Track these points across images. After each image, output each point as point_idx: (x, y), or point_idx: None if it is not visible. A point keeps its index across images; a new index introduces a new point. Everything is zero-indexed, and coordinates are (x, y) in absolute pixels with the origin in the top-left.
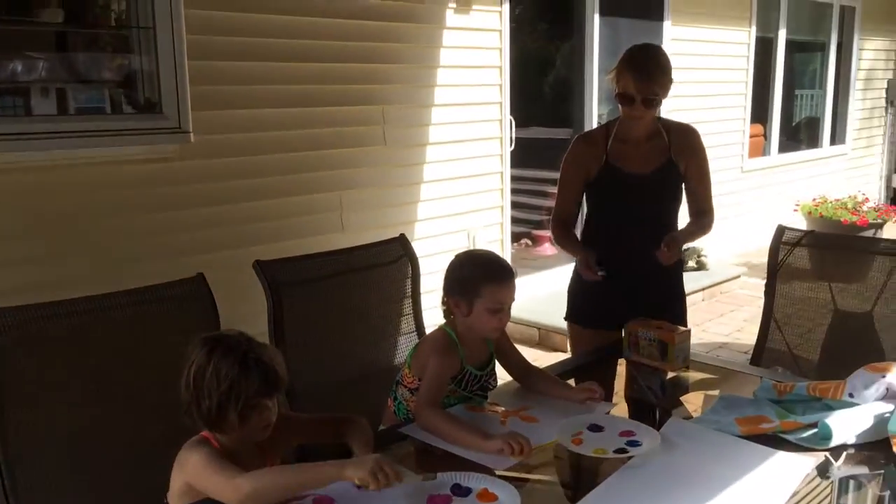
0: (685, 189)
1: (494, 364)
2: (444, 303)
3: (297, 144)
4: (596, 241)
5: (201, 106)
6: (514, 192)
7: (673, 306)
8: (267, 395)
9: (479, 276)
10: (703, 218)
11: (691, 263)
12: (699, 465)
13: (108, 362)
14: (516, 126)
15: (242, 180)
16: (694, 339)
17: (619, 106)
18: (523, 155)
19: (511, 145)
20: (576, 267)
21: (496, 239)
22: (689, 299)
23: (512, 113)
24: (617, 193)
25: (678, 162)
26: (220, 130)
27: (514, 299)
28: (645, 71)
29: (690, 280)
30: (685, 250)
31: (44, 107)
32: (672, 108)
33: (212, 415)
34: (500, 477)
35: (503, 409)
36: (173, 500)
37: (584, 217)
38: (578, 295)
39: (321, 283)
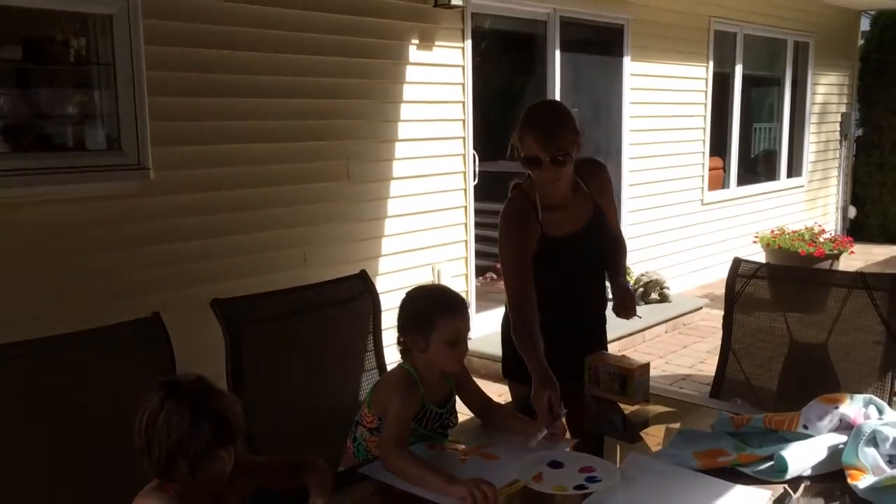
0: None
1: (455, 401)
2: (399, 342)
3: (258, 180)
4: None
5: (161, 142)
6: (478, 225)
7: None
8: (218, 448)
9: (432, 310)
10: (618, 243)
11: (654, 295)
12: (658, 500)
13: (58, 407)
14: (481, 160)
15: (203, 216)
16: (657, 372)
17: (530, 173)
18: (488, 188)
19: (475, 179)
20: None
21: (460, 273)
22: (651, 331)
23: (476, 147)
24: (557, 260)
25: (601, 203)
26: (180, 166)
27: (469, 329)
28: (546, 129)
29: (653, 312)
30: (648, 283)
31: (2, 144)
32: (633, 142)
33: (161, 465)
34: None
35: (463, 446)
36: None
37: None
38: (513, 351)
39: (280, 322)
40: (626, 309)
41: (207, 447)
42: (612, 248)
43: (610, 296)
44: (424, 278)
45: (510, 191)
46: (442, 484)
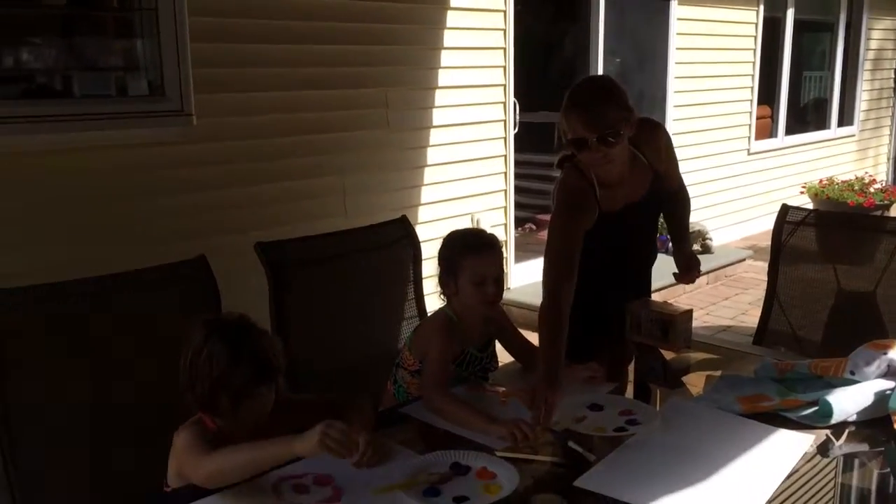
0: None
1: (494, 346)
2: (439, 285)
3: (299, 127)
4: (587, 283)
5: (203, 89)
6: (518, 176)
7: None
8: (259, 384)
9: (458, 252)
10: (680, 197)
11: (696, 246)
12: (699, 444)
13: (109, 343)
14: (521, 110)
15: (244, 164)
16: (697, 323)
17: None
18: (528, 139)
19: (515, 128)
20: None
21: (500, 223)
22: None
23: (516, 96)
24: (611, 233)
25: (659, 168)
26: (223, 113)
27: (500, 271)
28: (591, 106)
29: None
30: (690, 234)
31: (49, 91)
32: (678, 90)
33: (204, 400)
34: (501, 457)
35: (504, 389)
36: (171, 482)
37: None
38: None
39: (323, 265)
40: (688, 275)
41: (248, 384)
42: (674, 206)
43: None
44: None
45: (557, 164)
46: (482, 423)
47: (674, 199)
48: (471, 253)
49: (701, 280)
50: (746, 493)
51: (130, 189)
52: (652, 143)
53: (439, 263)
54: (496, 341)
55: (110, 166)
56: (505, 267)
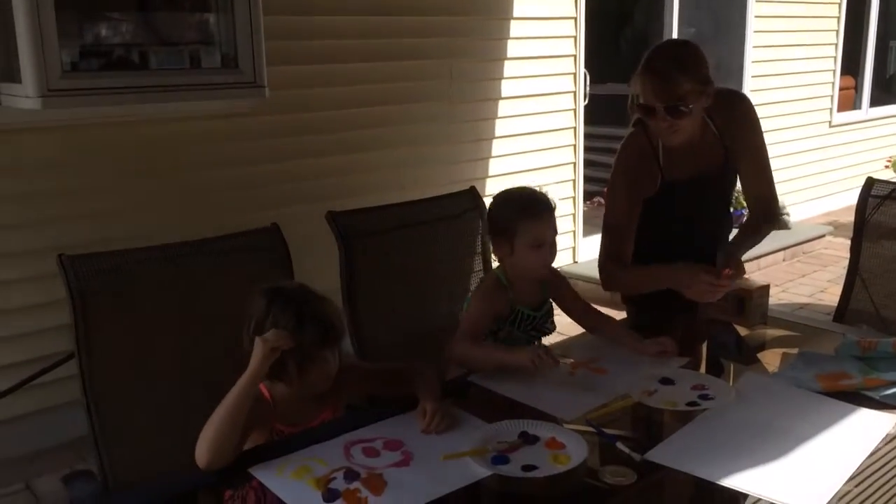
0: (738, 170)
1: (551, 307)
2: (492, 246)
3: (367, 99)
4: (656, 255)
5: (275, 61)
6: (587, 149)
7: None
8: (323, 348)
9: (514, 214)
10: (762, 206)
11: None
12: (774, 420)
13: (187, 307)
14: (592, 81)
15: (314, 136)
16: (773, 300)
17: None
18: (598, 111)
19: (585, 100)
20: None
21: (568, 196)
22: (768, 259)
23: (587, 67)
24: (675, 206)
25: (733, 145)
26: (293, 86)
27: (555, 233)
28: (662, 74)
29: (771, 239)
30: None
31: (127, 64)
32: (756, 59)
33: (272, 365)
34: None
35: (572, 360)
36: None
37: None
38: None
39: (392, 235)
40: (726, 273)
41: (313, 347)
42: (749, 215)
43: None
44: None
45: (632, 125)
46: (505, 355)
47: (753, 203)
48: (528, 216)
49: (776, 256)
50: (824, 473)
51: (205, 159)
52: (725, 113)
53: (491, 225)
54: (553, 303)
55: (187, 137)
56: (575, 237)
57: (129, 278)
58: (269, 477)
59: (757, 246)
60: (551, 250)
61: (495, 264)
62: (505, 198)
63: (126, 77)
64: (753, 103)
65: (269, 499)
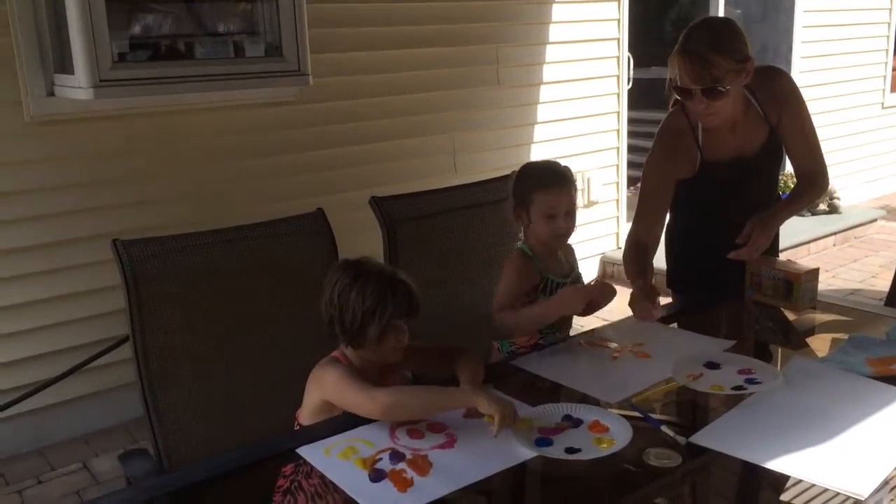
0: (785, 146)
1: (580, 275)
2: (513, 216)
3: (410, 86)
4: (687, 244)
5: (318, 49)
6: (631, 134)
7: None
8: (406, 317)
9: (531, 184)
10: (810, 180)
11: (822, 206)
12: (822, 404)
13: (236, 290)
14: (635, 65)
15: (357, 123)
16: (823, 285)
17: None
18: (642, 96)
19: (629, 84)
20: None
21: (612, 181)
22: (818, 244)
23: (631, 51)
24: (717, 188)
25: (777, 123)
26: (337, 73)
27: (572, 206)
28: (698, 55)
29: (821, 223)
30: None
31: (174, 54)
32: (805, 40)
33: (354, 328)
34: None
35: (616, 345)
36: (305, 417)
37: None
38: (676, 261)
39: (435, 220)
40: (752, 238)
41: (397, 314)
42: (797, 183)
43: None
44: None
45: (671, 104)
46: (548, 305)
47: (800, 178)
48: (542, 186)
49: (826, 241)
50: (873, 458)
51: (250, 147)
52: (768, 90)
53: (513, 195)
54: (579, 271)
55: (232, 126)
56: (618, 223)
57: (180, 262)
58: (317, 457)
59: (808, 232)
60: (565, 221)
61: None
62: (525, 169)
63: (173, 67)
64: (803, 85)
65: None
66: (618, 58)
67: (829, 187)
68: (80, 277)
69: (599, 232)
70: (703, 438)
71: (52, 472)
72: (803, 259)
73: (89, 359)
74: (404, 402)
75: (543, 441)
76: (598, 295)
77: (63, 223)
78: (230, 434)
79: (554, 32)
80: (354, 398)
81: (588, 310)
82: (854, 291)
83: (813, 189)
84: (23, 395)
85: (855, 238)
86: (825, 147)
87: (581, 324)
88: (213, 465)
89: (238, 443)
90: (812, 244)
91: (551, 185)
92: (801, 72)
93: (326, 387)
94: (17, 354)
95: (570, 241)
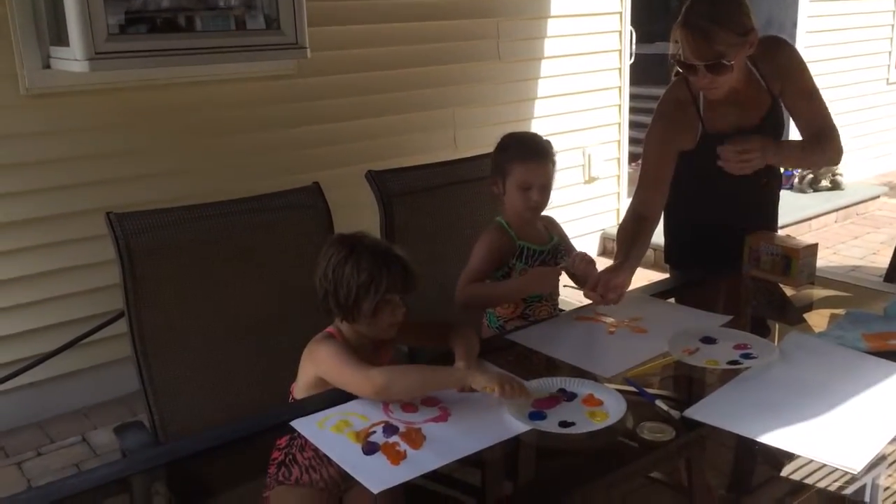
0: (791, 115)
1: (559, 243)
2: (490, 184)
3: (410, 60)
4: (686, 217)
5: (315, 22)
6: (633, 110)
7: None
8: (402, 292)
9: (509, 155)
10: (820, 138)
11: (824, 182)
12: (818, 379)
13: (231, 263)
14: (638, 41)
15: (356, 97)
16: (823, 262)
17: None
18: (645, 72)
19: (631, 59)
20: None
21: (613, 157)
22: (820, 220)
23: (633, 25)
24: (716, 162)
25: (779, 92)
26: (335, 46)
27: (547, 180)
28: (700, 30)
29: (823, 200)
30: (818, 169)
31: (172, 27)
32: (812, 14)
33: (348, 303)
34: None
35: (612, 319)
36: (299, 392)
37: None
38: (674, 237)
39: (433, 194)
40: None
41: (392, 289)
42: (812, 143)
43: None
44: (575, 161)
45: (674, 74)
46: (519, 282)
47: (809, 139)
48: (520, 158)
49: (828, 218)
50: (867, 433)
51: (248, 122)
52: (771, 61)
53: (492, 164)
54: (558, 241)
55: (230, 100)
56: (619, 199)
57: (174, 236)
58: (310, 430)
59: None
60: (539, 195)
61: None
62: (505, 140)
63: (171, 40)
64: (808, 60)
65: None
66: (620, 32)
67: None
68: (78, 251)
69: (600, 208)
70: (697, 413)
71: (51, 445)
72: (804, 235)
73: (88, 332)
74: (398, 382)
75: (537, 414)
76: (581, 268)
77: (60, 197)
78: (225, 407)
79: (555, 6)
80: (348, 377)
81: (578, 282)
82: (855, 268)
83: (829, 143)
84: (22, 368)
85: (857, 215)
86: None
87: (578, 299)
88: (207, 436)
89: (233, 416)
90: (814, 220)
91: (528, 157)
92: (806, 46)
93: (321, 364)
94: (16, 328)
95: (569, 214)
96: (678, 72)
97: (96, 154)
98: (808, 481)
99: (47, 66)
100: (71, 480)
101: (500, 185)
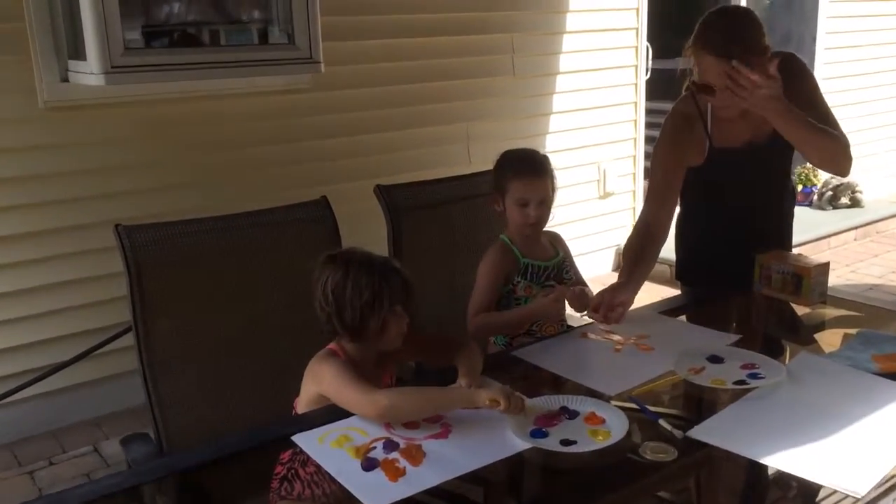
0: None
1: (563, 259)
2: (490, 201)
3: (424, 75)
4: (696, 233)
5: (331, 37)
6: (648, 125)
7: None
8: (405, 301)
9: (507, 172)
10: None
11: (844, 200)
12: (825, 400)
13: (238, 277)
14: (655, 56)
15: (369, 111)
16: (842, 280)
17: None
18: (660, 87)
19: (647, 74)
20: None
21: (628, 173)
22: (839, 238)
23: (649, 40)
24: (728, 174)
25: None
26: (350, 61)
27: (545, 195)
28: (718, 50)
29: (842, 217)
30: (838, 186)
31: (188, 41)
32: (830, 31)
33: (355, 324)
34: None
35: (619, 337)
36: (301, 407)
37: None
38: (686, 254)
39: (442, 209)
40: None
41: (396, 301)
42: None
43: None
44: (590, 177)
45: (685, 89)
46: (525, 311)
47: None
48: (517, 175)
49: (847, 235)
50: (873, 456)
51: (261, 135)
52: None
53: (492, 180)
54: (563, 257)
55: (244, 113)
56: (634, 214)
57: (182, 248)
58: (310, 444)
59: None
60: (536, 211)
61: None
62: (503, 156)
63: (184, 54)
64: (826, 77)
65: None
66: (636, 47)
67: (851, 181)
68: (93, 262)
69: (615, 224)
70: (700, 433)
71: (63, 455)
72: (823, 253)
73: (101, 343)
74: (401, 404)
75: (539, 432)
76: (579, 297)
77: (76, 208)
78: (231, 421)
79: (571, 22)
80: (352, 398)
81: (577, 310)
82: (872, 286)
83: (836, 139)
84: (36, 377)
85: (877, 233)
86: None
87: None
88: (209, 448)
89: (238, 430)
90: (832, 238)
91: (525, 174)
92: (825, 63)
93: (322, 382)
94: (30, 338)
95: (584, 229)
96: (688, 86)
97: (112, 166)
98: None
99: (65, 80)
100: (75, 491)
101: (500, 202)
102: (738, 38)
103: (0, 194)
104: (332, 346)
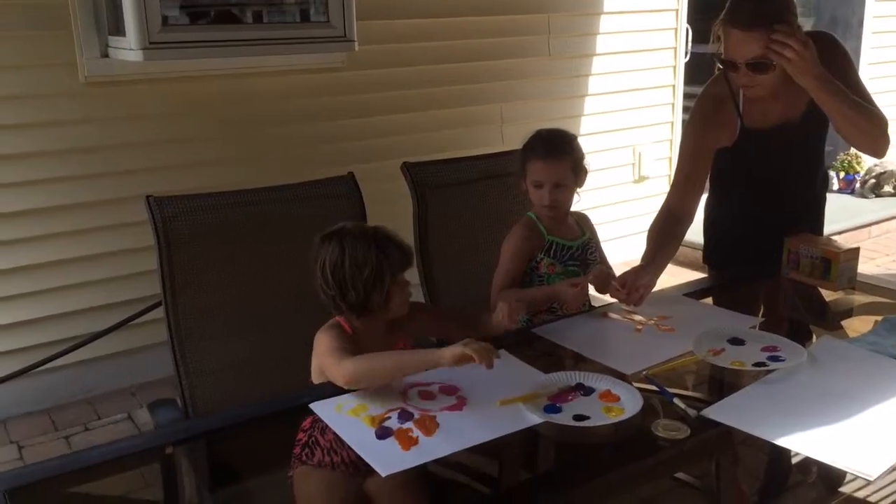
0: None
1: (589, 240)
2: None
3: (459, 55)
4: (726, 215)
5: (364, 15)
6: (686, 109)
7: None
8: (405, 268)
9: (528, 152)
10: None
11: (887, 188)
12: (845, 384)
13: (265, 250)
14: (694, 41)
15: (404, 91)
16: (880, 269)
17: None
18: (699, 71)
19: (686, 57)
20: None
21: (664, 156)
22: (881, 227)
23: (690, 22)
24: (759, 155)
25: None
26: (383, 40)
27: (561, 178)
28: (744, 26)
29: (885, 205)
30: (881, 174)
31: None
32: (878, 14)
33: (359, 300)
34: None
35: (640, 317)
36: (314, 379)
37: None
38: (713, 237)
39: (468, 187)
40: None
41: (398, 268)
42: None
43: None
44: (625, 160)
45: (717, 68)
46: (547, 291)
47: None
48: (534, 156)
49: (889, 224)
50: (888, 440)
51: (296, 113)
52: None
53: (518, 158)
54: (589, 238)
55: (280, 91)
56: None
57: (210, 221)
58: (328, 412)
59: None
60: (551, 192)
61: None
62: (531, 136)
63: (221, 31)
64: (873, 62)
65: None
66: (675, 29)
67: (895, 168)
68: (131, 235)
69: (649, 208)
70: (714, 412)
71: (98, 421)
72: (864, 241)
73: (136, 314)
74: (365, 368)
75: (552, 408)
76: (602, 279)
77: (113, 183)
78: (256, 390)
79: (609, 2)
80: (328, 367)
81: (600, 290)
82: None
83: (876, 118)
84: (71, 346)
85: None
86: (893, 128)
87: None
88: (229, 415)
89: (263, 399)
90: (874, 226)
91: (541, 155)
92: (872, 47)
93: (316, 354)
94: (67, 307)
95: (617, 213)
96: (720, 68)
97: (148, 142)
98: (844, 490)
99: (105, 55)
100: (95, 451)
101: (523, 181)
102: (767, 11)
103: (40, 167)
104: (338, 318)
